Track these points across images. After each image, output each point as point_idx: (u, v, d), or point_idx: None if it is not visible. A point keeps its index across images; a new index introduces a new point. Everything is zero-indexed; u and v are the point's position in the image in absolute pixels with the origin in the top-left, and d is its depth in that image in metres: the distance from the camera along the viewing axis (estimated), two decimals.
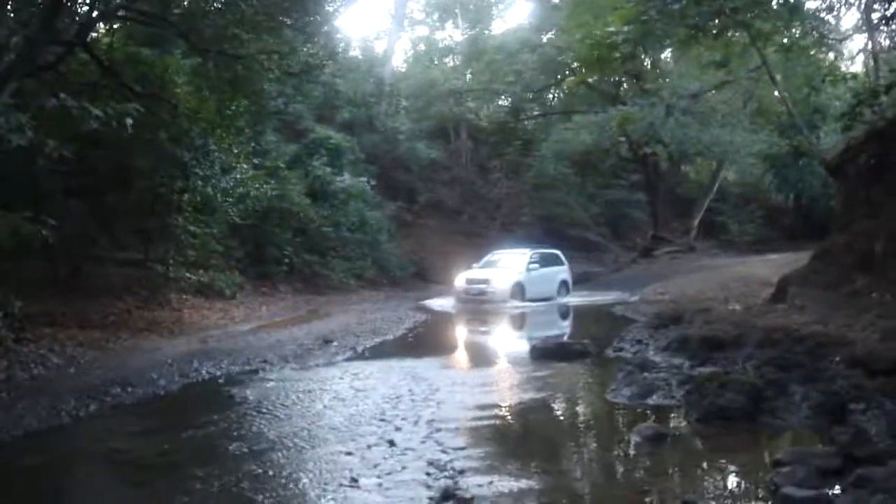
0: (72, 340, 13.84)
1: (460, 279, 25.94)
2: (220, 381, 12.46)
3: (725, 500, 6.88)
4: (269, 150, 27.98)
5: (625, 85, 38.60)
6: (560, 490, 7.21)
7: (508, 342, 18.40)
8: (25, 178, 14.52)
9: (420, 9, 45.73)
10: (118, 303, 17.55)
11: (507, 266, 26.53)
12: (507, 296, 24.92)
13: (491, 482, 7.27)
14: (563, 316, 23.79)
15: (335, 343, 16.09)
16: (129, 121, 12.32)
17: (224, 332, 17.39)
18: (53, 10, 12.24)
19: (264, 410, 10.30)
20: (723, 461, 8.24)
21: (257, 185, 21.96)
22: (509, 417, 10.27)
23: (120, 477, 7.67)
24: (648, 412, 10.16)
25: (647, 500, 6.87)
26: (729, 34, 16.08)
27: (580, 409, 11.05)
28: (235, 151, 19.89)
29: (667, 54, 36.13)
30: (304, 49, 16.43)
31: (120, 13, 14.90)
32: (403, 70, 44.84)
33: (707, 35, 15.33)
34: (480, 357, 15.74)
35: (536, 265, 26.75)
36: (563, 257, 28.90)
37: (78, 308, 16.12)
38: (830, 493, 6.45)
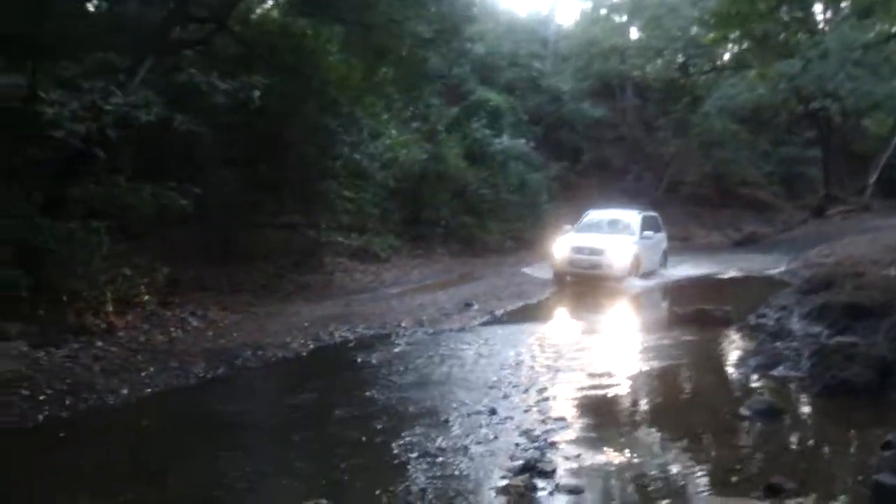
0: (216, 304, 14.42)
1: (562, 246, 20.76)
2: (351, 345, 12.69)
3: (817, 485, 6.48)
4: (428, 114, 28.22)
5: (800, 36, 36.66)
6: (645, 467, 7.03)
7: (649, 307, 17.81)
8: (179, 149, 15.15)
9: None
10: (271, 267, 18.11)
11: (617, 232, 21.53)
12: (626, 271, 20.34)
13: (579, 455, 7.23)
14: (704, 285, 20.92)
15: (475, 307, 16.11)
16: (257, 93, 12.69)
17: (371, 295, 17.71)
18: None
19: (382, 375, 10.48)
20: (831, 441, 7.82)
21: (405, 150, 22.20)
22: (624, 387, 10.04)
23: (220, 439, 7.93)
24: (770, 384, 9.77)
25: (733, 479, 6.63)
26: None
27: (700, 379, 10.70)
28: (384, 117, 20.14)
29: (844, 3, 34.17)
30: (433, 14, 16.33)
31: None
32: (569, 28, 44.12)
33: None
34: (617, 322, 15.35)
35: (650, 232, 22.01)
36: (660, 221, 24.30)
37: (230, 273, 16.72)
38: None
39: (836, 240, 25.78)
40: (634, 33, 41.90)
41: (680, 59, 40.98)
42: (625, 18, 41.80)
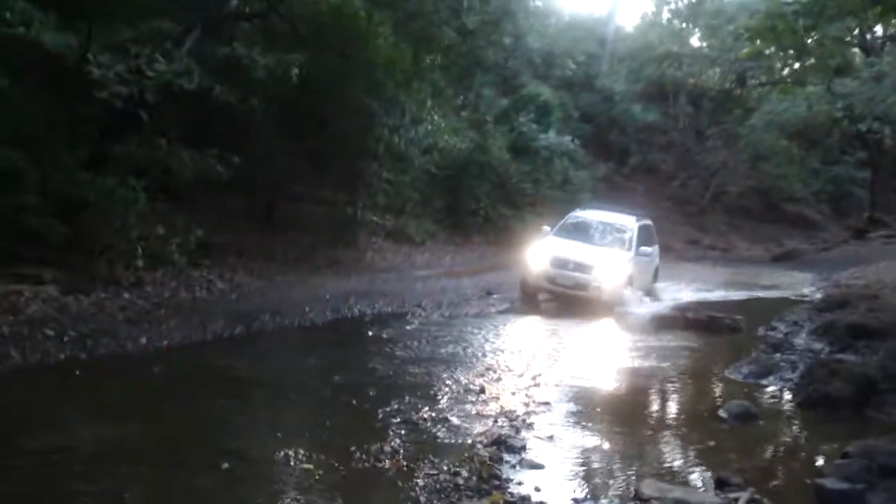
0: (246, 270, 14.99)
1: (539, 256, 16.40)
2: (367, 319, 13.28)
3: (764, 483, 6.83)
4: (478, 104, 28.62)
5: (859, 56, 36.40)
6: (611, 453, 7.45)
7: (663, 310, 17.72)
8: (224, 118, 15.69)
9: None
10: (307, 239, 18.61)
11: (609, 243, 17.24)
12: (619, 293, 16.17)
13: (552, 436, 7.65)
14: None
15: (496, 295, 16.55)
16: (295, 70, 13.21)
17: (398, 275, 18.21)
18: None
19: (388, 350, 11.03)
20: (794, 446, 8.19)
21: (446, 137, 22.59)
22: (615, 382, 10.50)
23: (221, 390, 8.55)
24: (756, 391, 10.12)
25: (689, 470, 7.06)
26: None
27: (690, 380, 11.04)
28: (429, 103, 20.56)
29: None
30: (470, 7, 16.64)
31: None
32: (628, 31, 44.10)
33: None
34: (628, 322, 15.45)
35: (646, 247, 17.71)
36: (654, 231, 19.60)
37: (268, 241, 17.27)
38: (863, 489, 6.33)
39: (872, 263, 25.71)
40: (695, 41, 41.83)
41: (736, 69, 40.71)
42: (685, 25, 41.68)
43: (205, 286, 13.37)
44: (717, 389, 10.33)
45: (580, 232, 17.60)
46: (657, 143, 39.69)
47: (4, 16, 10.06)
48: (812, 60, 35.28)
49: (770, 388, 10.28)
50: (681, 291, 19.90)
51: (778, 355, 11.75)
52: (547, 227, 17.94)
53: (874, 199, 37.45)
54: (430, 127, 21.10)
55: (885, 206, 37.56)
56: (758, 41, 21.13)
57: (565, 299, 16.20)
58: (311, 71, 16.15)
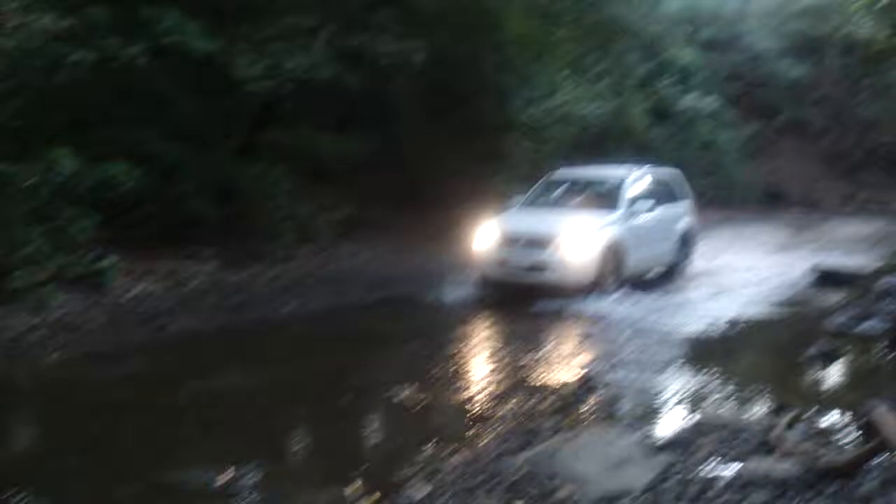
0: (389, 242, 16.24)
1: (490, 234, 12.83)
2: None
3: (818, 404, 7.34)
4: (619, 70, 28.96)
5: None
6: (683, 389, 8.12)
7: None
8: (370, 105, 16.90)
9: None
10: (451, 212, 19.71)
11: (590, 206, 13.19)
12: (591, 273, 11.97)
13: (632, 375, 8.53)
14: None
15: None
16: (420, 56, 14.24)
17: None
18: None
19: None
20: (864, 376, 8.81)
21: (581, 106, 23.16)
22: (711, 329, 10.97)
23: (348, 342, 9.95)
24: (847, 335, 10.48)
25: (754, 402, 7.71)
26: None
27: (793, 327, 11.44)
28: (564, 73, 21.29)
29: None
30: None
31: None
32: None
33: None
34: (765, 275, 15.38)
35: (646, 201, 13.32)
36: (683, 182, 15.44)
37: (413, 215, 18.39)
38: None
39: None
40: None
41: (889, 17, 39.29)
42: None
43: (349, 257, 14.75)
44: (813, 333, 10.67)
45: (554, 197, 14.11)
46: (808, 98, 38.76)
47: (159, 28, 11.52)
48: None
49: (862, 333, 10.62)
50: (793, 266, 15.89)
51: (885, 301, 11.99)
52: (519, 196, 14.56)
53: None
54: (565, 97, 21.80)
55: None
56: None
57: (522, 286, 12.37)
58: (444, 52, 17.24)
